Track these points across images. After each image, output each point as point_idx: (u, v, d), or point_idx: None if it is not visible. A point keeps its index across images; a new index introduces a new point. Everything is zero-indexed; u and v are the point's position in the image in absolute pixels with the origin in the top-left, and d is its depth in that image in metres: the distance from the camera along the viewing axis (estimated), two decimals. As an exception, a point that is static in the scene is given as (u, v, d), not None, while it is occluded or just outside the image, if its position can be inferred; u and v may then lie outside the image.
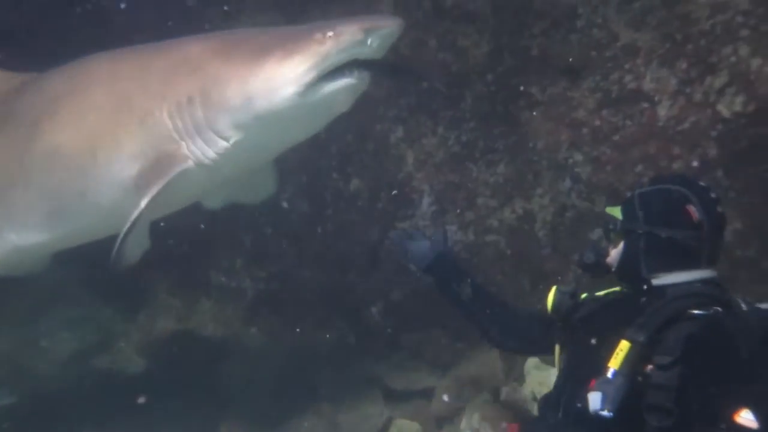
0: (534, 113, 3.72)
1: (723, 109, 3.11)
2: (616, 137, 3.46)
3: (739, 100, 3.05)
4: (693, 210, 1.93)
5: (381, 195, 4.19)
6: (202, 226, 4.38)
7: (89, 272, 4.28)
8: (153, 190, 2.80)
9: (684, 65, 3.23)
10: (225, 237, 4.56)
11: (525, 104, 3.75)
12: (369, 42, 2.58)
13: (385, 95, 4.17)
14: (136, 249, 2.98)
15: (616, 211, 2.10)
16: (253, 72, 2.70)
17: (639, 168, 3.39)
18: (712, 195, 1.99)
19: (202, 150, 2.83)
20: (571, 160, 3.62)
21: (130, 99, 2.94)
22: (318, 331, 4.37)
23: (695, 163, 3.19)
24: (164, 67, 2.95)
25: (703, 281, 1.93)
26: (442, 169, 4.02)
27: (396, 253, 2.73)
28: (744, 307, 1.85)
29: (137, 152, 2.89)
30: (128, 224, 2.82)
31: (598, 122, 3.51)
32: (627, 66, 3.41)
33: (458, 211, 3.95)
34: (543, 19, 3.65)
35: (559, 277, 3.65)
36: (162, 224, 3.15)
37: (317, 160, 4.34)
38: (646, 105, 3.36)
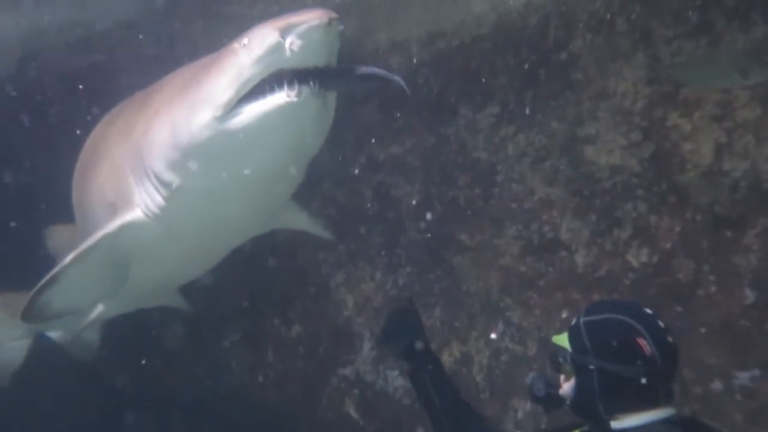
0: (465, 259, 3.92)
1: (632, 259, 3.35)
2: (541, 282, 3.65)
3: (644, 251, 3.31)
4: (644, 343, 1.80)
5: (323, 340, 4.22)
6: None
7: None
8: (87, 243, 2.55)
9: (594, 218, 3.51)
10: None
11: (456, 250, 3.95)
12: (289, 44, 2.09)
13: (327, 242, 4.33)
14: (61, 305, 2.74)
15: (563, 340, 1.95)
16: (176, 100, 2.38)
17: (565, 313, 3.54)
18: (660, 324, 1.86)
19: (152, 197, 2.52)
20: (502, 304, 3.77)
21: (109, 146, 2.87)
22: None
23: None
24: (131, 111, 2.82)
25: (664, 421, 1.81)
26: (381, 312, 4.10)
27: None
28: None
29: (111, 201, 2.72)
30: (47, 276, 2.57)
31: (523, 268, 3.71)
32: (544, 217, 3.68)
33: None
34: (466, 173, 3.96)
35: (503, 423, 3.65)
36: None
37: (259, 306, 4.38)
38: (564, 253, 3.59)
